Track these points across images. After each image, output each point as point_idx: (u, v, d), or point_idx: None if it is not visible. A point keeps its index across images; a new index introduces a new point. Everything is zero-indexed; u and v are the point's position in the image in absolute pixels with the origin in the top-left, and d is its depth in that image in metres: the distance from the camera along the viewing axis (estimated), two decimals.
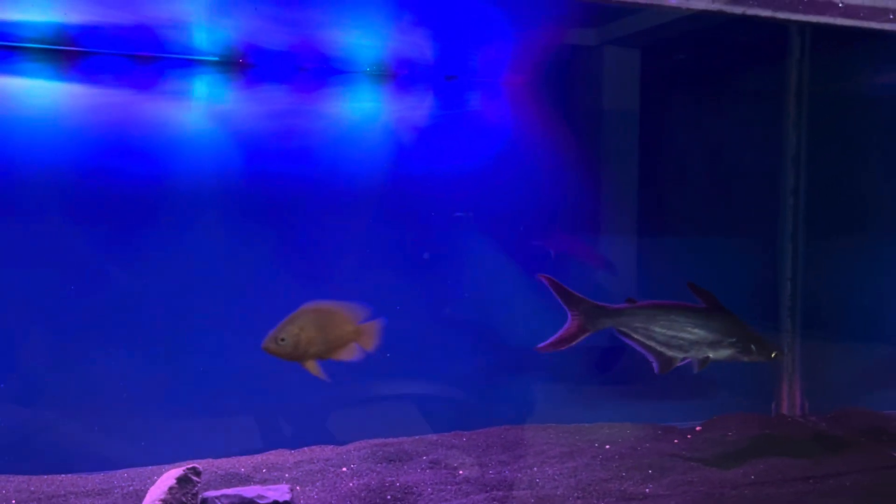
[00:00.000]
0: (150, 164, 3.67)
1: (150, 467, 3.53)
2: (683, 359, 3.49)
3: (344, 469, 3.48)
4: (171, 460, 3.68)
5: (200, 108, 3.77)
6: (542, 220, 4.37)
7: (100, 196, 3.59)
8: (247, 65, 3.85)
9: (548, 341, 3.36)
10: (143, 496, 2.98)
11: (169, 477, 2.67)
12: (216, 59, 3.77)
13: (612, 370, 4.53)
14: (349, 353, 2.94)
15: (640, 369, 4.22)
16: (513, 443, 3.98)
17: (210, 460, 3.68)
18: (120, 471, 3.52)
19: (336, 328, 2.88)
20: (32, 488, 3.21)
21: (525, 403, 4.43)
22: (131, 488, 3.22)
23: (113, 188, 3.61)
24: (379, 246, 4.08)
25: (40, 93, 3.47)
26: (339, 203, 4.03)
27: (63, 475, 3.40)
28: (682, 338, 3.44)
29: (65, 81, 3.50)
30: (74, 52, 3.51)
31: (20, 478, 3.33)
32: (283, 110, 3.93)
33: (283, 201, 3.91)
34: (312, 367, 2.84)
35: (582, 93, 4.47)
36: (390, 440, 3.95)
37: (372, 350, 2.88)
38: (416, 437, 4.06)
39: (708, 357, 3.46)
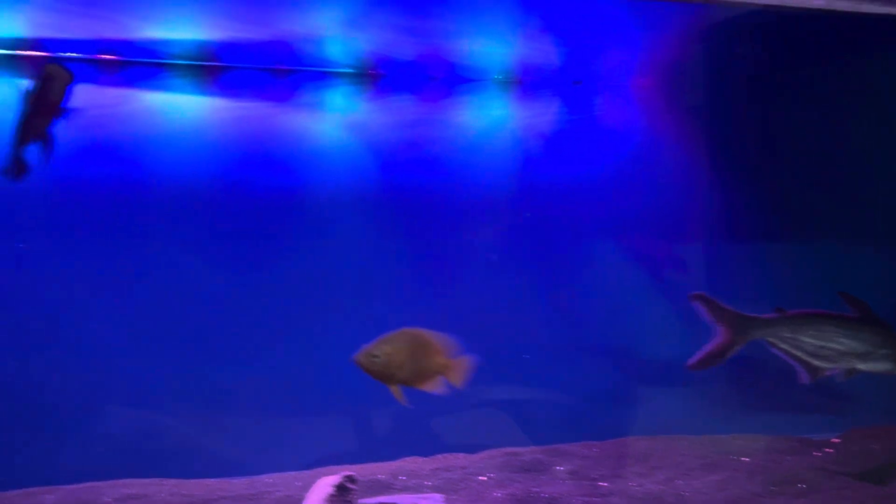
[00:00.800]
0: (286, 175, 3.76)
1: (291, 472, 3.60)
2: (830, 369, 3.38)
3: (483, 478, 3.48)
4: (309, 466, 3.75)
5: (334, 119, 3.84)
6: (671, 225, 4.31)
7: (239, 205, 3.69)
8: (377, 75, 3.90)
9: (698, 357, 3.28)
10: (294, 503, 3.06)
11: (325, 484, 2.72)
12: (349, 70, 3.85)
13: (744, 380, 4.43)
14: (434, 385, 2.93)
15: (769, 379, 4.14)
16: (645, 454, 3.91)
17: (346, 466, 3.74)
18: (261, 476, 3.62)
19: (427, 358, 2.87)
20: (185, 492, 3.30)
21: (652, 413, 4.36)
22: (278, 494, 3.28)
23: (252, 198, 3.70)
24: (508, 253, 4.08)
25: (185, 107, 3.60)
26: (468, 212, 4.05)
27: (211, 479, 3.50)
28: (831, 348, 3.32)
29: (207, 96, 3.62)
30: (216, 68, 3.63)
31: (172, 481, 3.44)
32: (412, 119, 3.97)
33: (412, 210, 3.96)
34: (396, 390, 2.83)
35: (708, 94, 4.39)
36: (520, 449, 3.93)
37: (459, 386, 2.85)
38: (547, 447, 4.03)
39: (855, 368, 3.33)
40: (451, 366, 2.88)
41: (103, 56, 3.46)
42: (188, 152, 3.61)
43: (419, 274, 3.94)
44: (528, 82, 4.13)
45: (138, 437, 3.67)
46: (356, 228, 3.82)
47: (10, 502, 3.19)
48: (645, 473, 3.62)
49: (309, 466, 3.80)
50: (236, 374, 3.75)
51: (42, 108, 2.17)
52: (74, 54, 3.40)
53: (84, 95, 3.50)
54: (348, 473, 2.79)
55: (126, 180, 3.51)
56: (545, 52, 4.04)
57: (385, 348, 2.77)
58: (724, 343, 3.24)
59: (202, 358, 3.72)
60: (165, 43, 3.44)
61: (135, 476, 3.52)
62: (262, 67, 3.69)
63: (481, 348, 3.93)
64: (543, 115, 4.16)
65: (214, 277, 3.64)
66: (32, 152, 2.40)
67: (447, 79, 3.99)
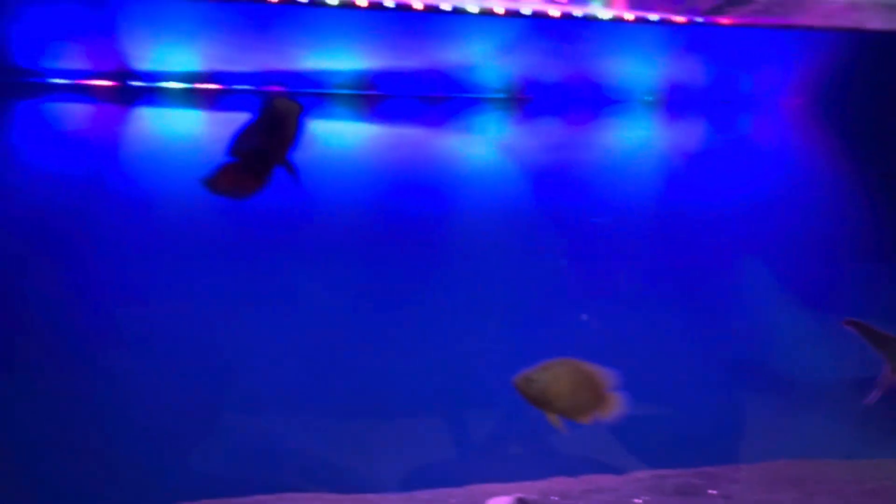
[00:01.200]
0: (439, 199, 3.84)
1: (446, 489, 3.68)
2: None
3: (638, 501, 3.48)
4: (461, 483, 3.83)
5: (484, 144, 3.94)
6: (821, 245, 4.22)
7: (393, 229, 3.80)
8: (526, 99, 3.97)
9: (875, 395, 3.21)
10: None
11: None
12: (498, 95, 3.94)
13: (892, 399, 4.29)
14: (587, 418, 2.91)
15: None
16: (799, 478, 3.81)
17: (497, 485, 3.79)
18: (418, 491, 3.71)
19: (585, 390, 2.86)
20: None
21: (797, 436, 4.27)
22: None
23: (405, 221, 3.82)
24: (655, 274, 4.08)
25: (344, 134, 3.76)
26: (615, 234, 4.08)
27: (370, 494, 3.62)
28: None
29: (366, 123, 3.77)
30: (375, 96, 3.78)
31: (330, 495, 3.57)
32: (559, 142, 4.03)
33: (561, 232, 4.01)
34: (554, 418, 2.82)
35: (860, 113, 4.28)
36: (667, 471, 3.90)
37: (613, 422, 2.84)
38: (694, 469, 4.00)
39: None
40: (607, 400, 2.88)
41: (270, 88, 3.65)
42: (347, 177, 3.75)
43: (567, 297, 3.98)
44: (674, 102, 4.14)
45: (291, 450, 3.82)
46: (506, 251, 3.87)
47: None
48: (803, 500, 3.55)
49: (460, 484, 3.90)
50: (390, 392, 3.86)
51: (278, 143, 2.25)
52: (244, 86, 3.61)
53: None
54: (519, 495, 2.84)
55: (285, 203, 3.70)
56: (691, 72, 4.03)
57: (545, 375, 2.78)
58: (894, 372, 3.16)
59: (355, 376, 3.85)
60: (327, 73, 3.59)
61: (288, 490, 3.70)
62: (417, 95, 3.83)
63: (626, 369, 4.00)
64: (690, 135, 4.16)
65: (369, 300, 3.77)
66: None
67: (594, 100, 4.04)
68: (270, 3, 2.93)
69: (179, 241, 3.60)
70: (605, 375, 2.86)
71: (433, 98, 3.81)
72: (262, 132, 2.16)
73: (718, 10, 3.28)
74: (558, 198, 4.00)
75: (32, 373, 3.43)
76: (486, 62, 3.73)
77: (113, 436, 3.52)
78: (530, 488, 3.79)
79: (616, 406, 2.84)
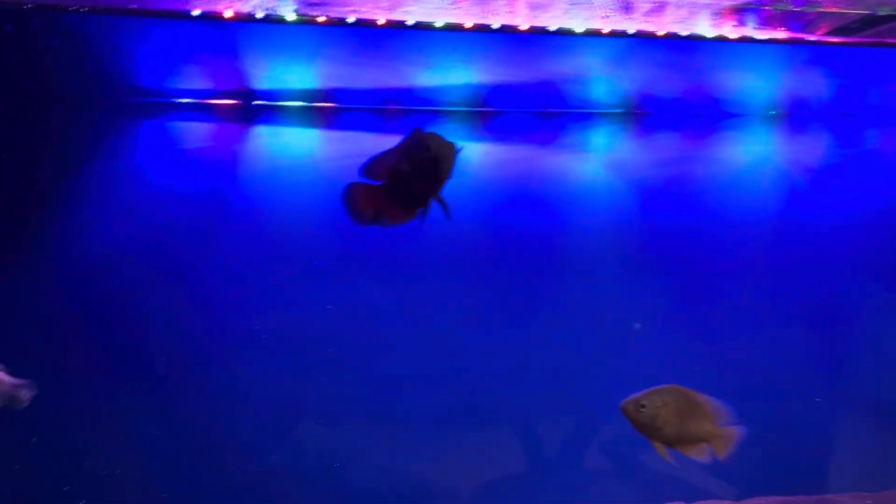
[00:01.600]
0: (551, 215, 3.79)
1: None
2: None
3: None
4: None
5: (598, 160, 3.87)
6: None
7: (505, 246, 3.74)
8: (642, 114, 3.89)
9: None
10: None
11: None
12: (613, 110, 3.87)
13: None
14: (698, 453, 2.77)
15: None
16: None
17: None
18: None
19: (694, 421, 2.72)
20: None
21: None
22: None
23: (517, 238, 3.76)
24: (773, 293, 3.93)
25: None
26: (731, 251, 3.94)
27: None
28: None
29: (479, 140, 3.75)
30: (487, 113, 3.75)
31: None
32: (676, 157, 3.91)
33: (675, 250, 3.90)
34: (659, 447, 2.70)
35: None
36: (788, 498, 3.75)
37: (723, 458, 2.69)
38: (816, 497, 3.84)
39: None
40: (718, 434, 2.75)
41: (386, 107, 3.66)
42: (459, 195, 3.71)
43: (679, 318, 3.87)
44: (795, 116, 3.99)
45: (418, 460, 3.83)
46: (619, 269, 3.80)
47: None
48: None
49: None
50: (501, 407, 3.82)
51: (434, 184, 2.23)
52: (360, 105, 3.64)
53: (365, 143, 3.76)
54: None
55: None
56: (814, 86, 3.88)
57: (655, 400, 2.66)
58: None
59: (468, 389, 3.82)
60: (440, 90, 3.59)
61: None
62: (530, 111, 3.77)
63: (742, 390, 3.87)
64: (812, 149, 4.00)
65: (480, 316, 3.72)
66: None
67: (712, 115, 3.92)
68: (381, 26, 2.94)
69: (296, 257, 3.66)
70: (718, 408, 2.73)
71: (546, 114, 3.75)
72: (416, 171, 2.14)
73: (850, 31, 3.15)
74: (674, 214, 3.89)
75: (157, 384, 3.52)
76: (599, 77, 3.68)
77: (232, 444, 3.60)
78: None
79: (732, 442, 2.70)
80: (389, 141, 3.72)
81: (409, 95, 3.61)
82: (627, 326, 3.83)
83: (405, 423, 3.68)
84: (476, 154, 3.77)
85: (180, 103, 3.44)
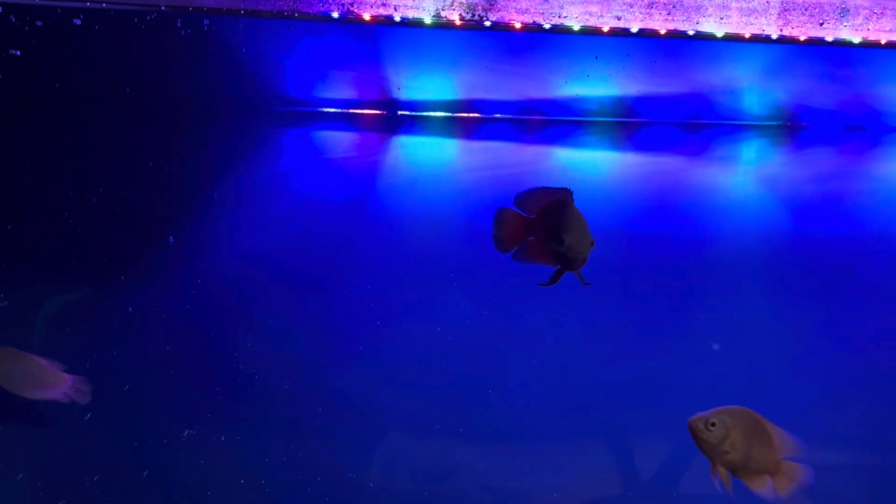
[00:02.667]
0: (697, 228, 3.65)
1: None
2: None
3: None
4: None
5: (748, 173, 3.71)
6: None
7: (648, 260, 3.63)
8: (796, 126, 3.71)
9: None
10: None
11: None
12: (766, 122, 3.70)
13: None
14: (759, 485, 2.54)
15: None
16: None
17: None
18: None
19: (762, 449, 2.43)
20: None
21: None
22: None
23: (663, 252, 3.63)
24: None
25: (599, 163, 3.67)
26: (891, 273, 3.71)
27: None
28: None
29: (620, 151, 3.65)
30: (631, 123, 3.66)
31: None
32: (833, 172, 3.70)
33: (828, 268, 3.69)
34: (722, 472, 2.50)
35: None
36: None
37: (785, 496, 2.45)
38: None
39: None
40: (783, 469, 2.54)
41: (528, 117, 3.62)
42: (601, 206, 3.63)
43: (828, 338, 3.65)
44: None
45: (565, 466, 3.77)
46: (767, 284, 3.61)
47: None
48: None
49: None
50: (629, 427, 3.71)
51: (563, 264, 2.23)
52: (502, 115, 3.60)
53: (506, 154, 3.73)
54: None
55: None
56: None
57: (725, 419, 2.41)
58: None
59: (597, 413, 3.73)
60: (584, 100, 3.51)
61: None
62: (677, 122, 3.65)
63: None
64: None
65: (619, 328, 3.62)
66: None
67: (873, 128, 3.70)
68: (521, 31, 2.89)
69: (432, 268, 3.64)
70: (788, 440, 2.51)
71: (694, 125, 3.63)
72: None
73: None
74: (829, 231, 3.68)
75: (296, 385, 3.58)
76: (752, 87, 3.53)
77: (344, 456, 3.63)
78: None
79: (796, 479, 2.49)
80: (530, 153, 3.74)
81: (552, 105, 3.55)
82: (771, 344, 3.66)
83: (525, 438, 3.65)
84: (621, 165, 3.70)
85: (326, 112, 3.48)
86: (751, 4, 3.03)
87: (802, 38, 2.98)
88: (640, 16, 3.05)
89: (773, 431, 2.48)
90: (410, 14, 2.93)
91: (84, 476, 3.32)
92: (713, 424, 2.38)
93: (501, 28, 2.92)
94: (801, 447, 2.47)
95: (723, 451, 2.40)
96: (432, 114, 3.52)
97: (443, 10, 2.91)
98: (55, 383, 2.94)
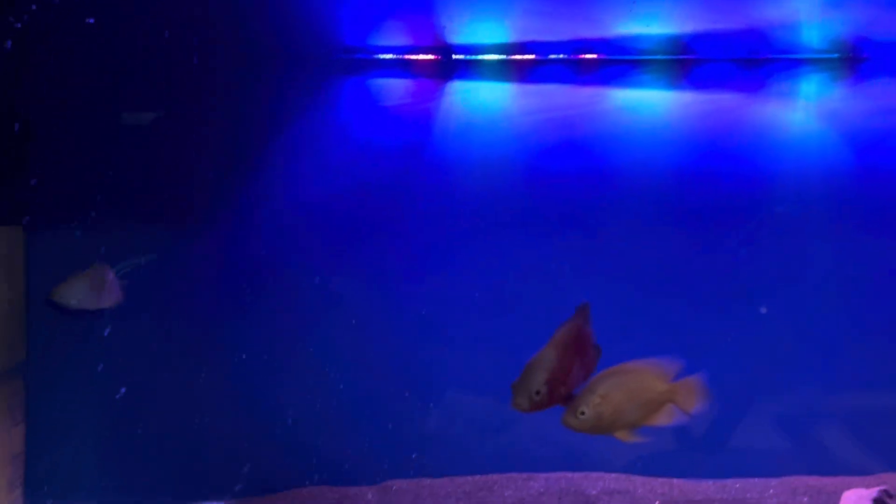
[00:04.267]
0: (755, 166, 3.59)
1: (761, 479, 3.46)
2: None
3: None
4: (776, 474, 3.61)
5: (807, 108, 3.62)
6: None
7: (707, 198, 3.59)
8: (858, 59, 3.62)
9: None
10: None
11: (861, 497, 2.56)
12: (825, 56, 3.61)
13: None
14: (667, 418, 2.40)
15: None
16: None
17: (817, 478, 3.52)
18: (729, 480, 3.53)
19: (647, 390, 2.37)
20: (661, 490, 3.34)
21: None
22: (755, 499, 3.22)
23: (720, 190, 3.59)
24: None
25: (655, 102, 3.60)
26: None
27: (676, 479, 3.46)
28: None
29: (676, 90, 3.59)
30: (686, 61, 3.59)
31: (659, 480, 3.45)
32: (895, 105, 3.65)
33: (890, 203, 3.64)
34: (625, 435, 2.38)
35: None
36: None
37: (693, 411, 2.36)
38: None
39: None
40: (676, 390, 2.44)
41: (580, 56, 3.57)
42: (657, 147, 3.59)
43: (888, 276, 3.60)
44: None
45: None
46: (832, 222, 3.55)
47: (487, 487, 3.45)
48: None
49: (775, 474, 3.68)
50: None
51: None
52: (555, 55, 3.58)
53: (560, 96, 3.68)
54: (883, 487, 2.58)
55: (596, 176, 3.58)
56: None
57: (590, 399, 2.32)
58: None
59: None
60: (638, 39, 3.47)
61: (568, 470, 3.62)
62: (733, 58, 3.57)
63: None
64: None
65: (684, 265, 3.60)
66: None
67: None
68: None
69: (488, 212, 3.59)
70: (666, 365, 2.37)
71: (751, 61, 3.55)
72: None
73: None
74: (893, 165, 3.62)
75: (353, 330, 3.61)
76: (810, 19, 3.45)
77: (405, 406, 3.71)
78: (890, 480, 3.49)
79: (696, 392, 2.40)
80: (585, 94, 3.70)
81: (607, 45, 3.52)
82: (836, 283, 3.62)
83: None
84: (677, 105, 3.64)
85: (381, 59, 3.49)
86: None
87: None
88: None
89: (647, 367, 2.42)
90: None
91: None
92: (582, 412, 2.31)
93: None
94: (678, 363, 2.42)
95: (611, 423, 2.34)
96: (486, 57, 3.51)
97: None
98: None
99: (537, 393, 2.17)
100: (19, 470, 3.15)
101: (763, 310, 3.74)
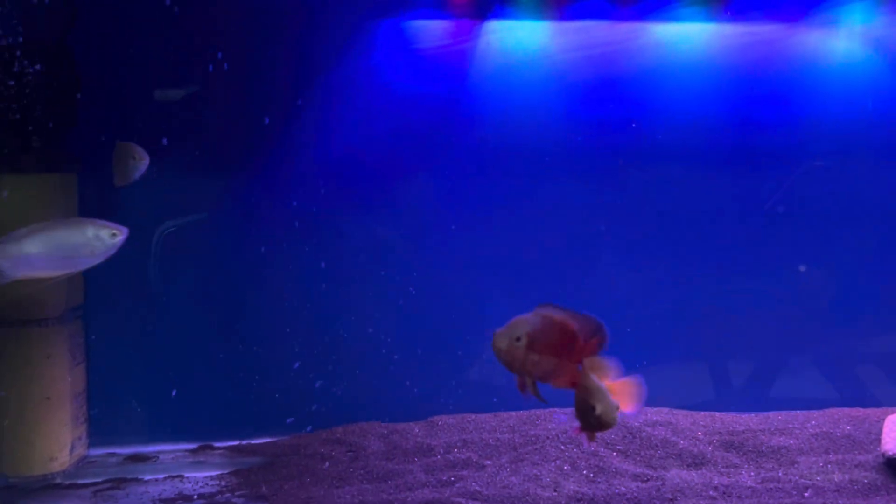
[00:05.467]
0: (796, 101, 3.55)
1: (802, 412, 3.49)
2: None
3: None
4: (819, 406, 3.64)
5: (851, 37, 3.56)
6: None
7: (747, 134, 3.57)
8: None
9: None
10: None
11: None
12: None
13: None
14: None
15: None
16: None
17: (859, 409, 3.53)
18: (772, 413, 3.53)
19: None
20: (702, 423, 3.35)
21: None
22: (810, 427, 3.23)
23: (761, 125, 3.56)
24: None
25: (693, 36, 3.53)
26: None
27: (717, 413, 3.49)
28: None
29: (716, 22, 3.51)
30: None
31: (701, 414, 3.47)
32: None
33: None
34: (529, 382, 2.17)
35: None
36: None
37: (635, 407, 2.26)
38: None
39: None
40: (613, 388, 2.29)
41: None
42: (696, 81, 3.54)
43: None
44: None
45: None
46: (866, 160, 3.56)
47: (530, 421, 3.49)
48: None
49: (818, 406, 3.67)
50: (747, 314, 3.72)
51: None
52: None
53: (599, 33, 3.61)
54: None
55: (635, 112, 3.55)
56: None
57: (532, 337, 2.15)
58: None
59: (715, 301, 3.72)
60: None
61: None
62: None
63: None
64: None
65: (722, 207, 3.61)
66: None
67: None
68: None
69: (528, 156, 3.59)
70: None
71: None
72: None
73: None
74: None
75: (402, 276, 3.61)
76: None
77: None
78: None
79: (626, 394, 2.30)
80: (623, 30, 3.66)
81: None
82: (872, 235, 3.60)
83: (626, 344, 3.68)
84: (717, 36, 3.56)
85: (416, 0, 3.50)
86: None
87: None
88: None
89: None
90: None
91: None
92: (518, 339, 2.14)
93: None
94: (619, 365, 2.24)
95: (530, 365, 2.15)
96: None
97: None
98: None
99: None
100: (82, 407, 3.28)
101: (802, 268, 3.76)
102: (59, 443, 3.11)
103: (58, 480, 3.10)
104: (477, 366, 3.65)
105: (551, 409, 3.55)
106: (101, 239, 2.69)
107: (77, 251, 2.67)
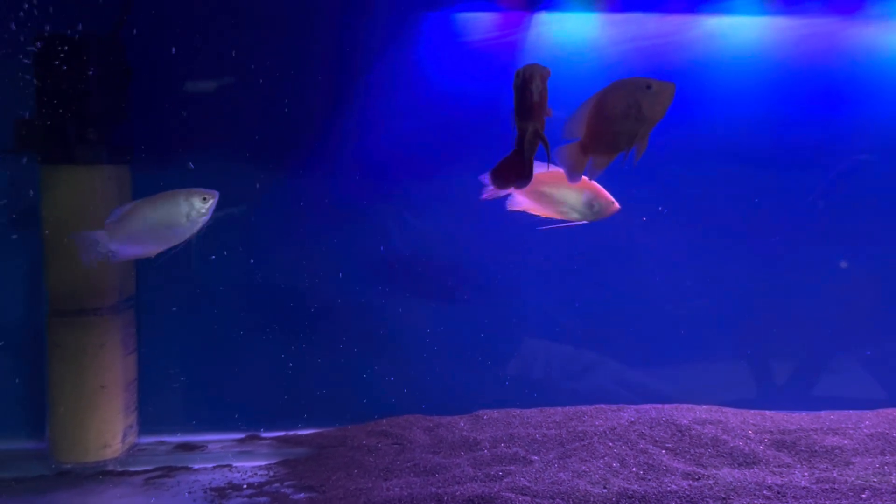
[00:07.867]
0: (851, 96, 3.50)
1: (856, 411, 3.45)
2: None
3: None
4: (872, 406, 3.57)
5: None
6: None
7: (802, 128, 3.53)
8: None
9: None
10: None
11: None
12: None
13: None
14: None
15: None
16: None
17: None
18: (824, 412, 3.49)
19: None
20: (752, 421, 3.33)
21: None
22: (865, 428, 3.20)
23: (814, 119, 3.52)
24: None
25: (746, 28, 3.48)
26: None
27: (768, 411, 3.47)
28: None
29: (770, 15, 3.46)
30: None
31: (751, 412, 3.45)
32: None
33: None
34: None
35: None
36: None
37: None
38: None
39: None
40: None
41: None
42: (749, 74, 3.50)
43: None
44: None
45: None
46: None
47: (577, 417, 3.48)
48: None
49: (860, 406, 3.59)
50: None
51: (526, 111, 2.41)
52: None
53: (649, 25, 3.56)
54: None
55: (687, 105, 3.47)
56: None
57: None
58: None
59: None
60: None
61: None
62: None
63: None
64: None
65: (776, 203, 3.55)
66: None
67: None
68: None
69: None
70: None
71: None
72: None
73: None
74: None
75: (448, 274, 3.64)
76: None
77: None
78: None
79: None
80: (674, 22, 3.59)
81: None
82: None
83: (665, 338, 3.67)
84: (770, 30, 3.50)
85: None
86: None
87: None
88: None
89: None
90: None
91: None
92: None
93: None
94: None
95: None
96: None
97: None
98: None
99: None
100: (133, 395, 3.34)
101: (843, 264, 3.71)
102: (112, 431, 3.17)
103: (110, 468, 3.15)
104: (519, 360, 3.67)
105: (597, 406, 3.55)
106: (194, 206, 2.75)
107: (177, 221, 2.73)
